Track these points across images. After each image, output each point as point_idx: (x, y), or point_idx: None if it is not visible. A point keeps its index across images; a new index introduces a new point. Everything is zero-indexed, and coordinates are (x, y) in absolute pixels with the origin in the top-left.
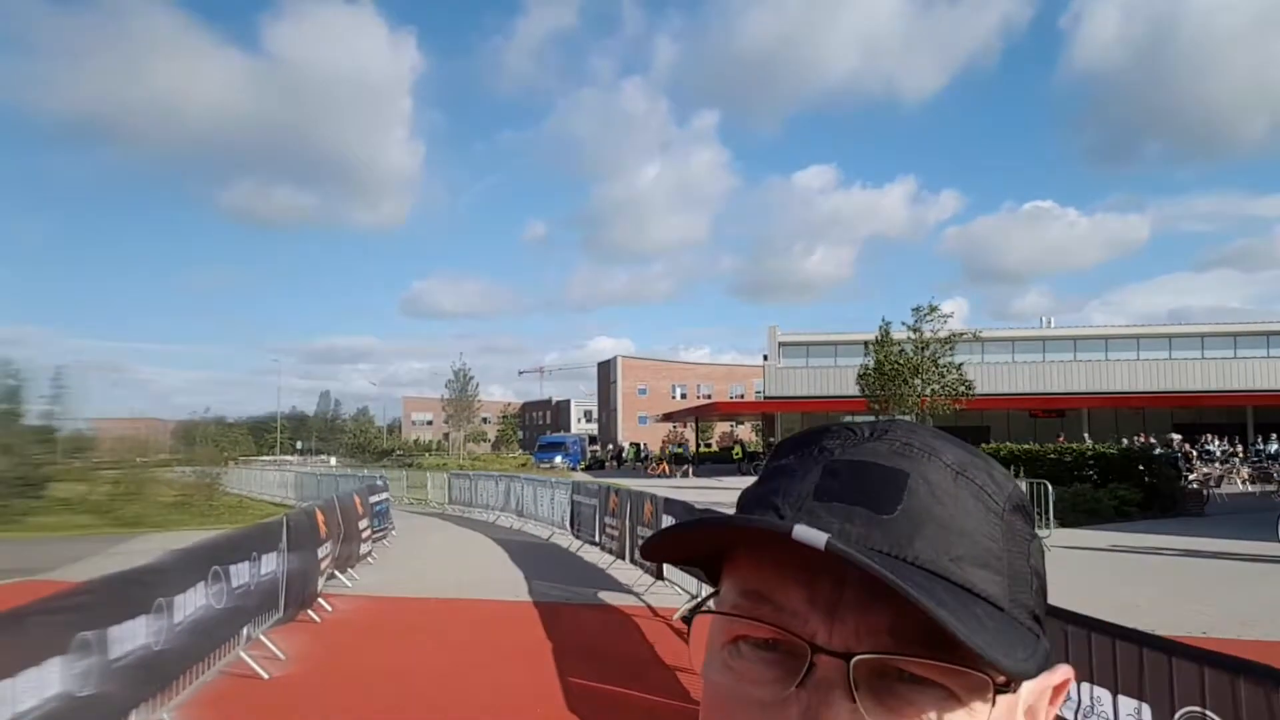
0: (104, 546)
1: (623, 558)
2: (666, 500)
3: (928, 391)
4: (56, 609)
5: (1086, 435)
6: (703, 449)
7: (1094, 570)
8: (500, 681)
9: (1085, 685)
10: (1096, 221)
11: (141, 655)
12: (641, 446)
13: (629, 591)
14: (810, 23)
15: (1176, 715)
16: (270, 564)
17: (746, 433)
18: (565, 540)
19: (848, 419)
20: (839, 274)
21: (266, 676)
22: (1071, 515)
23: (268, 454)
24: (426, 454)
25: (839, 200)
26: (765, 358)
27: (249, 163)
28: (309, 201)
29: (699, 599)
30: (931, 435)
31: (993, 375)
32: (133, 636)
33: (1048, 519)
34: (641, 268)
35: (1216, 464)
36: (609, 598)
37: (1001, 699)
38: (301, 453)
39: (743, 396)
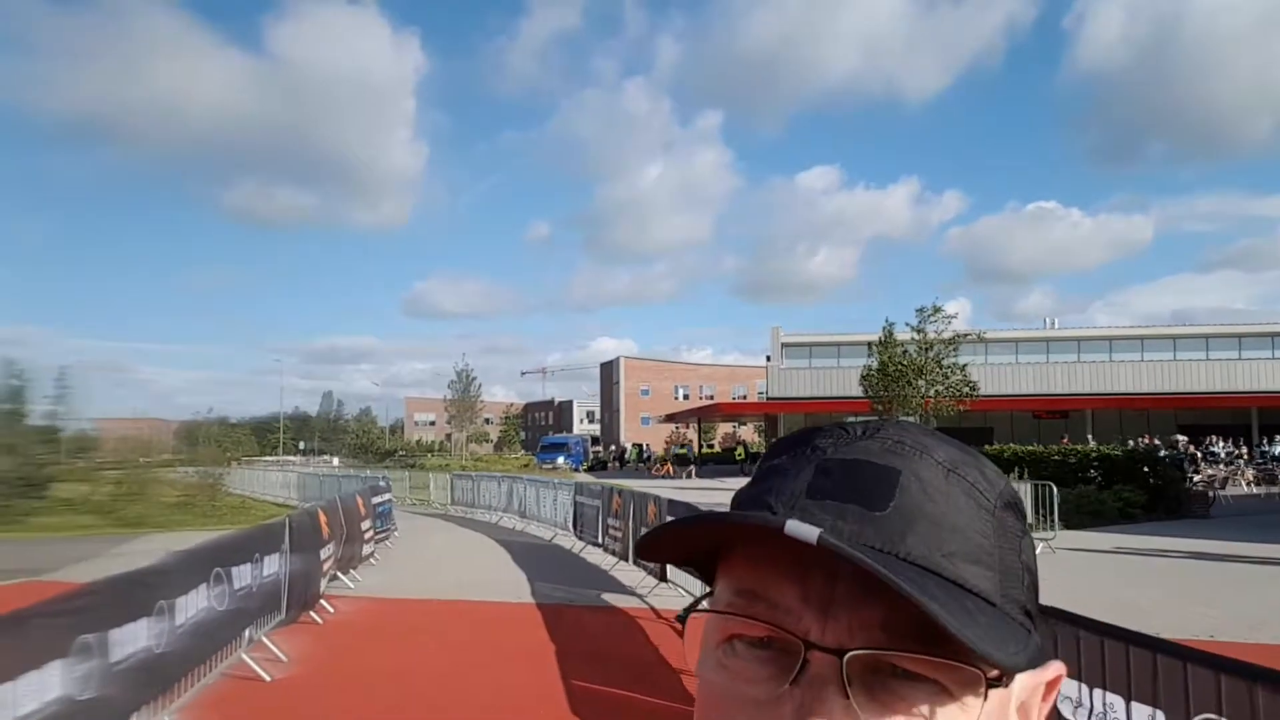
0: (106, 547)
1: (626, 559)
2: (670, 501)
3: (932, 393)
4: (57, 611)
5: (1090, 436)
6: (705, 450)
7: (1099, 572)
8: (503, 683)
9: (1098, 691)
10: (1100, 222)
11: (143, 658)
12: (644, 447)
13: (632, 593)
14: (813, 23)
15: None
16: (273, 565)
17: (749, 434)
18: (568, 541)
19: (850, 420)
20: (842, 275)
21: (269, 678)
22: (1076, 517)
23: (270, 454)
24: (429, 455)
25: (842, 201)
26: (768, 358)
27: (251, 163)
28: (311, 201)
29: (695, 599)
30: (923, 433)
31: (996, 376)
32: (134, 639)
33: (1053, 521)
34: (644, 268)
35: (1221, 465)
36: (612, 599)
37: (994, 693)
38: (304, 453)
39: (745, 397)
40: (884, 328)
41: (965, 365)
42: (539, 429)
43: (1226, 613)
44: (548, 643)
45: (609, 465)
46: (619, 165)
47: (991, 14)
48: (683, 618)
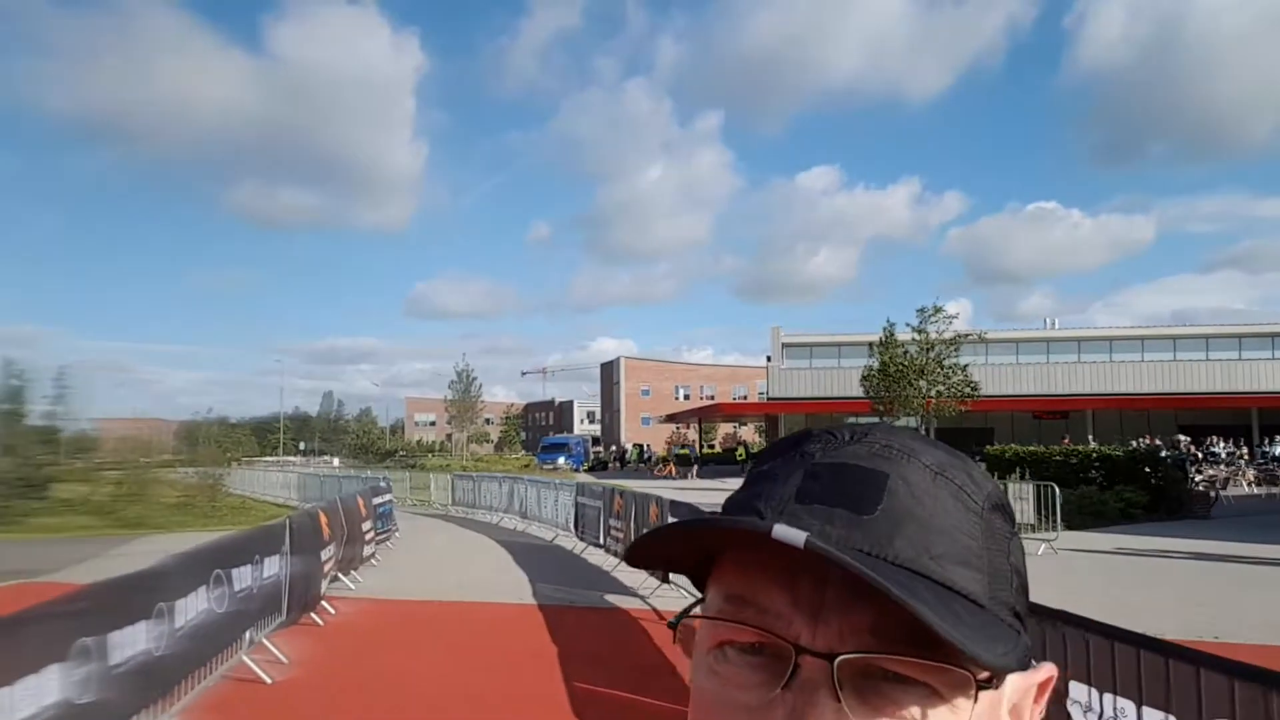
0: (106, 548)
1: None
2: (672, 503)
3: (933, 393)
4: (55, 614)
5: (1091, 437)
6: (706, 450)
7: (1101, 573)
8: (505, 685)
9: (1109, 695)
10: (1100, 223)
11: (142, 661)
12: (645, 447)
13: (634, 594)
14: (814, 23)
15: None
16: (273, 567)
17: (750, 434)
18: (569, 542)
19: (851, 420)
20: (842, 275)
21: (269, 681)
22: (1077, 518)
23: (271, 455)
24: (429, 455)
25: (842, 201)
26: (768, 359)
27: (252, 164)
28: (312, 202)
29: (687, 606)
30: (910, 437)
31: (997, 377)
32: (133, 642)
33: (1054, 521)
34: (645, 268)
35: (1222, 466)
36: (614, 600)
37: (984, 695)
38: (305, 453)
39: (746, 398)
40: (885, 328)
41: (966, 366)
42: (539, 429)
43: (1230, 614)
44: (549, 644)
45: (610, 466)
46: (620, 165)
47: (992, 14)
48: (674, 625)
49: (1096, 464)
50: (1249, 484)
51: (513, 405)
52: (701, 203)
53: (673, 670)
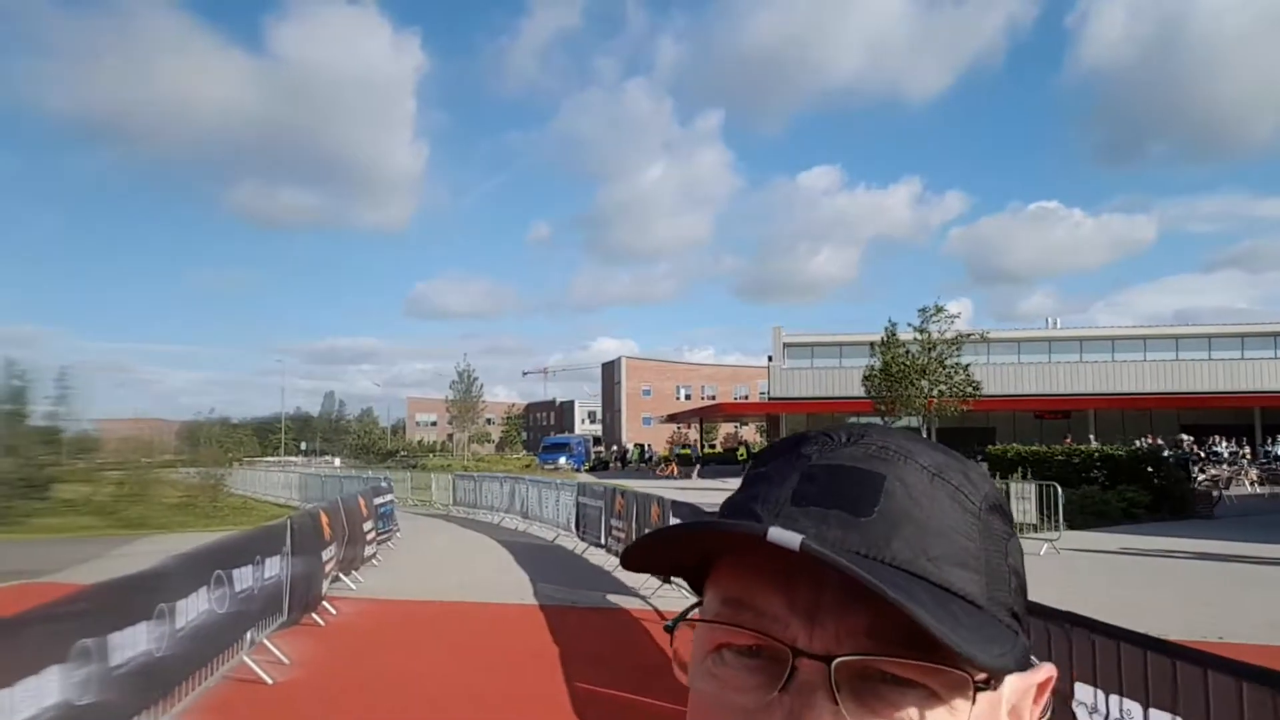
0: (108, 548)
1: None
2: (674, 503)
3: (935, 393)
4: (55, 616)
5: (1092, 436)
6: (707, 450)
7: (1104, 573)
8: (506, 686)
9: (1114, 697)
10: (1102, 222)
11: (143, 662)
12: (646, 447)
13: (635, 594)
14: (815, 23)
15: None
16: (274, 567)
17: (751, 434)
18: (570, 542)
19: (852, 420)
20: (843, 275)
21: (270, 681)
22: (1080, 517)
23: (272, 455)
24: (431, 455)
25: (843, 201)
26: (770, 359)
27: (253, 164)
28: (313, 202)
29: (684, 610)
30: (907, 439)
31: (998, 376)
32: (134, 643)
33: (1057, 521)
34: (645, 268)
35: (1225, 465)
36: (615, 601)
37: (983, 696)
38: (306, 453)
39: (747, 397)
40: (886, 328)
41: (968, 365)
42: (540, 429)
43: (1235, 614)
44: (551, 644)
45: (611, 465)
46: (620, 165)
47: (993, 13)
48: (670, 628)
49: (1099, 464)
50: (1251, 484)
51: (514, 405)
52: (702, 202)
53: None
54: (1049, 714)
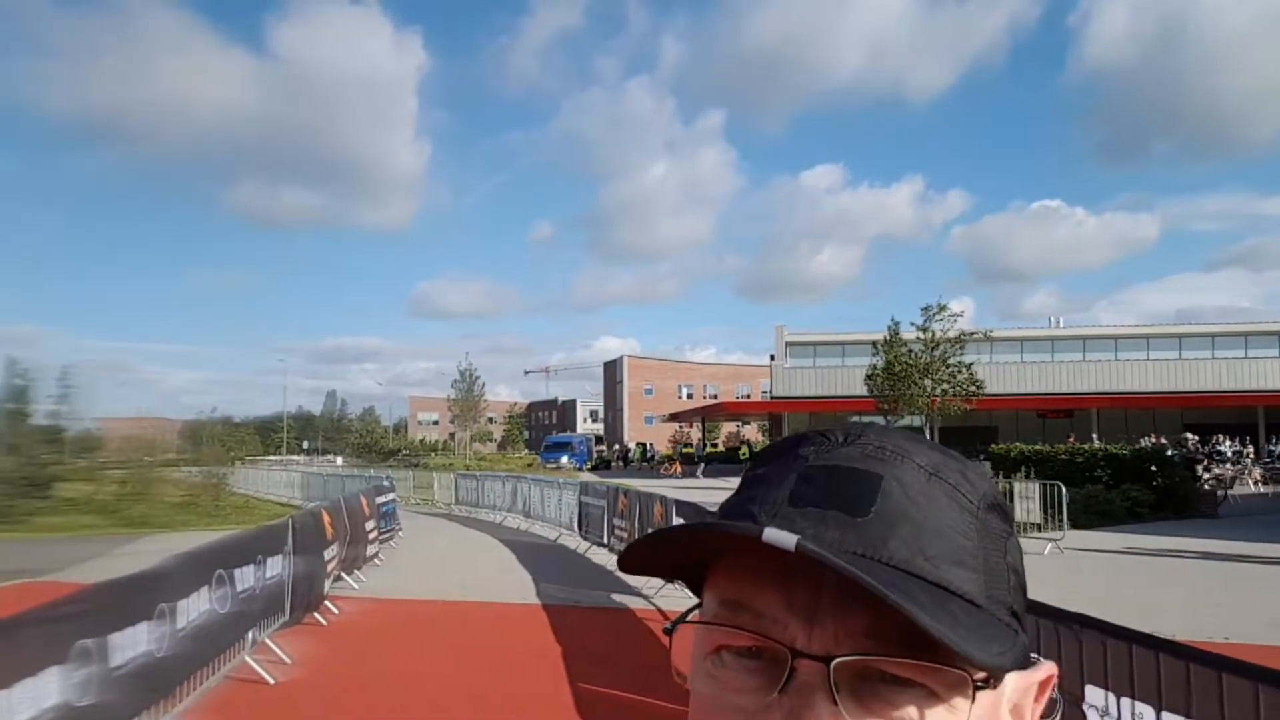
0: (110, 547)
1: None
2: (677, 502)
3: (938, 392)
4: (54, 616)
5: (1095, 436)
6: (709, 449)
7: (1109, 573)
8: (508, 685)
9: (1126, 700)
10: (1105, 221)
11: (143, 663)
12: (648, 446)
13: (638, 594)
14: (817, 22)
15: None
16: (276, 567)
17: (753, 433)
18: (573, 542)
19: (855, 420)
20: (846, 274)
21: (272, 681)
22: (1084, 517)
23: (274, 454)
24: (433, 454)
25: (846, 200)
26: (772, 358)
27: (255, 163)
28: (315, 202)
29: (683, 612)
30: (904, 438)
31: (1001, 375)
32: (134, 644)
33: (1061, 521)
34: (647, 267)
35: (1228, 465)
36: (618, 600)
37: (983, 695)
38: (308, 453)
39: (749, 397)
40: (889, 327)
41: (971, 364)
42: (543, 428)
43: (1241, 614)
44: (553, 644)
45: (613, 464)
46: (622, 165)
47: (996, 12)
48: (669, 630)
49: (1102, 463)
50: (1255, 483)
51: (516, 404)
52: (704, 202)
53: (678, 670)
54: (1060, 715)
